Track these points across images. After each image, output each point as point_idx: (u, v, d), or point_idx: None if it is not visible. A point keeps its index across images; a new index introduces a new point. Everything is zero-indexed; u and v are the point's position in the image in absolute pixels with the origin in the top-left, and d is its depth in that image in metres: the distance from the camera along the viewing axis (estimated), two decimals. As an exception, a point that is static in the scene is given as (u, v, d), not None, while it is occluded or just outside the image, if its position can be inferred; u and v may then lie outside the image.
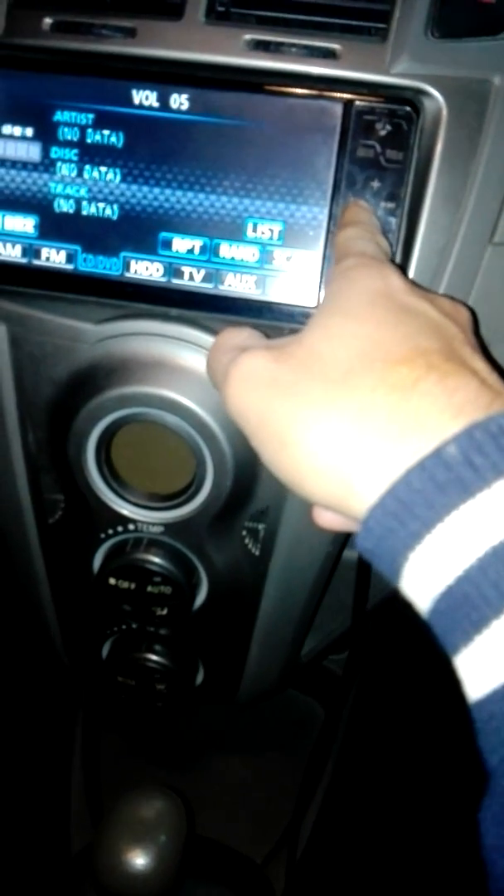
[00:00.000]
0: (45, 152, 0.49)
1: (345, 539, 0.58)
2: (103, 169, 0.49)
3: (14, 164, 0.50)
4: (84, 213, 0.50)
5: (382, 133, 0.46)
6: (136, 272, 0.50)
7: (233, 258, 0.49)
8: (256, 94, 0.47)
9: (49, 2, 0.49)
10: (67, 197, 0.50)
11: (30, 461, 0.57)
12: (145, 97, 0.48)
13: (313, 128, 0.46)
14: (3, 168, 0.50)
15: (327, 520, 0.38)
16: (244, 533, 0.56)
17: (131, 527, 0.56)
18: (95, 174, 0.49)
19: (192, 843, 0.66)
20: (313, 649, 0.71)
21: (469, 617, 0.29)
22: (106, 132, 0.48)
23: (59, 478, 0.57)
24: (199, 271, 0.49)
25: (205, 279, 0.49)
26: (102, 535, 0.57)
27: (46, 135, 0.49)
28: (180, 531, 0.55)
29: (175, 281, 0.50)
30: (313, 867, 0.84)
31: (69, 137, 0.49)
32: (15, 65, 0.49)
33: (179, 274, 0.49)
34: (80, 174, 0.49)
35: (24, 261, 0.51)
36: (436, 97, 0.46)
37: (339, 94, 0.46)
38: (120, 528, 0.56)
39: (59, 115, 0.49)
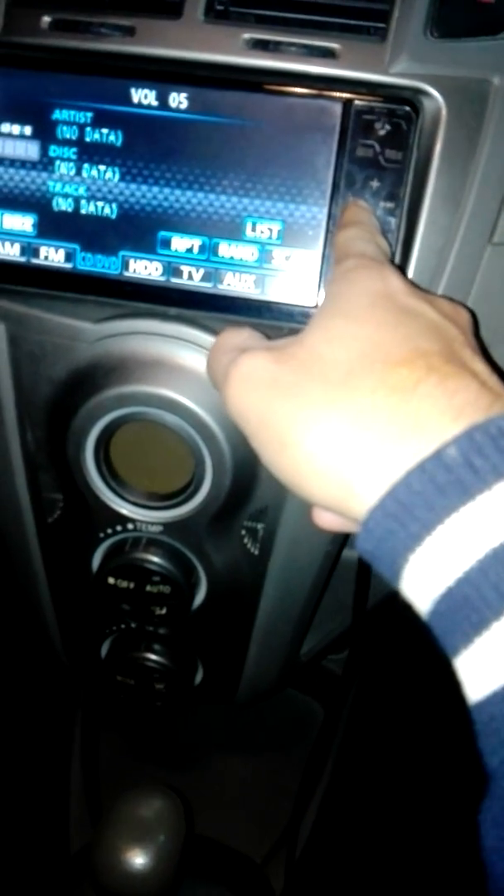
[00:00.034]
0: (44, 151, 0.49)
1: (344, 539, 0.58)
2: (102, 168, 0.49)
3: (13, 162, 0.50)
4: (83, 211, 0.50)
5: (382, 133, 0.46)
6: (134, 271, 0.50)
7: (232, 257, 0.49)
8: (255, 94, 0.47)
9: (48, 0, 0.49)
10: (66, 196, 0.50)
11: (28, 460, 0.57)
12: (144, 96, 0.48)
13: (312, 127, 0.46)
14: (1, 167, 0.50)
15: (327, 520, 0.38)
16: (243, 532, 0.56)
17: (130, 526, 0.56)
18: (94, 173, 0.49)
19: (191, 843, 0.66)
20: (312, 649, 0.71)
21: (469, 619, 0.29)
22: (105, 131, 0.48)
23: (58, 477, 0.57)
24: (198, 270, 0.49)
25: (204, 278, 0.49)
26: (101, 535, 0.57)
27: (45, 133, 0.49)
28: (179, 530, 0.55)
29: (174, 280, 0.49)
30: (312, 867, 0.84)
31: (68, 136, 0.49)
32: (13, 63, 0.49)
33: (178, 273, 0.49)
34: (78, 173, 0.49)
35: (22, 260, 0.51)
36: (435, 97, 0.46)
37: (338, 94, 0.46)
38: (119, 528, 0.56)
39: (58, 114, 0.49)
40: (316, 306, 0.48)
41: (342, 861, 0.90)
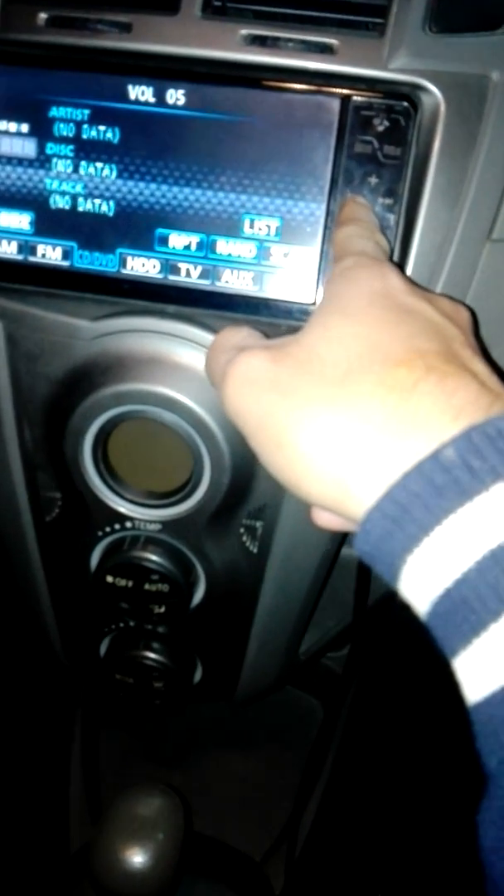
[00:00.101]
0: (41, 148, 0.49)
1: (343, 536, 0.58)
2: (99, 165, 0.49)
3: (9, 160, 0.49)
4: (80, 209, 0.49)
5: (380, 128, 0.46)
6: (132, 269, 0.49)
7: (230, 254, 0.48)
8: (253, 90, 0.47)
9: None
10: (63, 193, 0.49)
11: (26, 459, 0.57)
12: (141, 92, 0.47)
13: (311, 123, 0.46)
14: (-2, 164, 0.50)
15: (325, 520, 0.38)
16: (242, 530, 0.56)
17: (128, 524, 0.56)
18: (91, 170, 0.49)
19: (191, 841, 0.66)
20: (312, 647, 0.71)
21: (467, 620, 0.29)
22: (102, 128, 0.48)
23: (56, 475, 0.57)
24: (195, 268, 0.49)
25: (202, 276, 0.49)
26: (100, 533, 0.57)
27: (42, 131, 0.49)
28: (178, 529, 0.55)
29: (172, 277, 0.49)
30: (312, 865, 0.84)
31: (65, 133, 0.49)
32: (9, 60, 0.49)
33: (176, 270, 0.49)
34: (75, 170, 0.49)
35: (19, 257, 0.50)
36: (434, 93, 0.45)
37: (336, 90, 0.46)
38: (117, 526, 0.56)
39: (55, 111, 0.48)
40: (314, 303, 0.48)
41: (342, 859, 0.90)
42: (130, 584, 0.57)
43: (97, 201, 0.49)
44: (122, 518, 0.56)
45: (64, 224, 0.50)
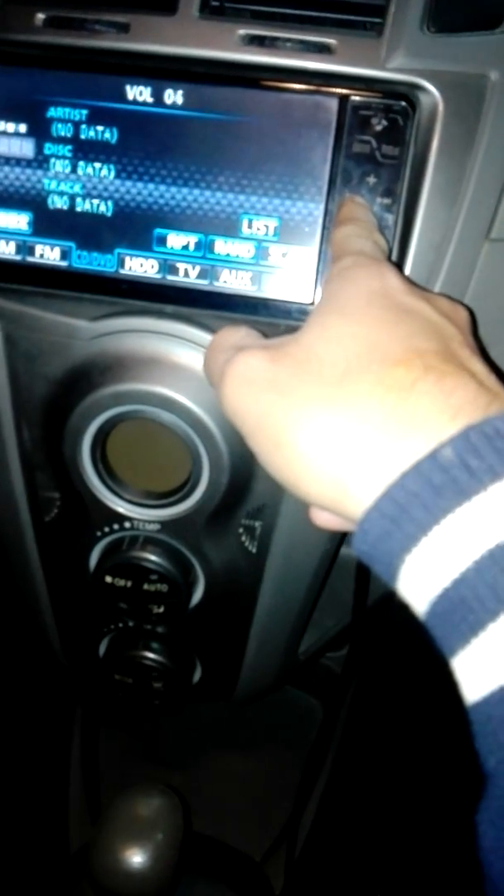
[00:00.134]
0: (39, 149, 0.49)
1: (342, 536, 0.58)
2: (97, 165, 0.49)
3: (7, 160, 0.49)
4: (78, 209, 0.49)
5: (378, 128, 0.46)
6: (130, 269, 0.49)
7: (228, 254, 0.48)
8: (251, 90, 0.47)
9: None
10: (61, 193, 0.49)
11: (25, 459, 0.57)
12: (139, 93, 0.47)
13: (309, 123, 0.46)
14: (-4, 164, 0.50)
15: (324, 520, 0.38)
16: (241, 530, 0.56)
17: (127, 524, 0.56)
18: (89, 170, 0.49)
19: (190, 841, 0.66)
20: (311, 646, 0.71)
21: (466, 620, 0.29)
22: (100, 128, 0.48)
23: (55, 476, 0.57)
24: (194, 268, 0.49)
25: (200, 276, 0.49)
26: (98, 533, 0.57)
27: (40, 131, 0.49)
28: (176, 529, 0.55)
29: (170, 277, 0.49)
30: (312, 865, 0.84)
31: (63, 133, 0.49)
32: (7, 60, 0.49)
33: (174, 270, 0.49)
34: (74, 170, 0.49)
35: (18, 258, 0.50)
36: (432, 92, 0.45)
37: (334, 90, 0.46)
38: (116, 526, 0.56)
39: (53, 112, 0.48)
40: (312, 303, 0.48)
41: (341, 859, 0.90)
42: (129, 584, 0.56)
43: (95, 201, 0.49)
44: (120, 518, 0.56)
45: (62, 224, 0.50)
